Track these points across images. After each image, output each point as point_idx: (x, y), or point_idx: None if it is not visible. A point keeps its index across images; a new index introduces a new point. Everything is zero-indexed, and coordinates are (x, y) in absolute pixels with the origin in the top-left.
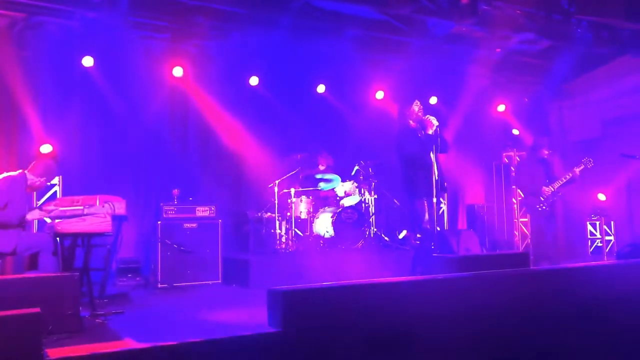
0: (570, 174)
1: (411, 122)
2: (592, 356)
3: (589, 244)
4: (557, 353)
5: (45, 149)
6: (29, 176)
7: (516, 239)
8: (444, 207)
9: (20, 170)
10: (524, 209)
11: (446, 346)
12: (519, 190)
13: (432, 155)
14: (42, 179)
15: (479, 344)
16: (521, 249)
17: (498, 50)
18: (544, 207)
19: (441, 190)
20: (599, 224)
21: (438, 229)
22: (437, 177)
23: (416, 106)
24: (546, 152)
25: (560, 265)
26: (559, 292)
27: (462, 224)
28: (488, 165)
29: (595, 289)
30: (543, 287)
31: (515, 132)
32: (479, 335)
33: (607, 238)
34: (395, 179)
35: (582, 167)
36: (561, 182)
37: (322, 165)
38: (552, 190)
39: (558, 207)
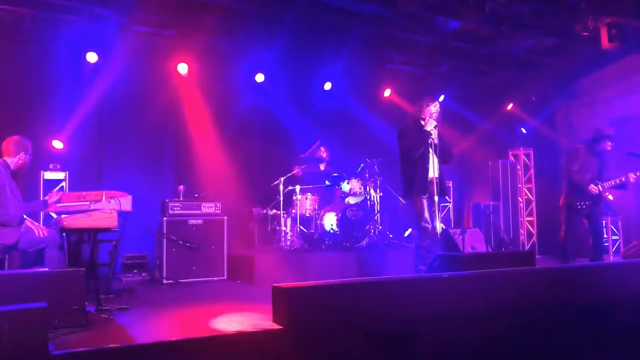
0: (624, 178)
1: (422, 120)
2: (598, 354)
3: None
4: (563, 351)
5: (57, 144)
6: (9, 160)
7: (522, 237)
8: (449, 205)
9: None
10: (530, 207)
11: (450, 344)
12: (521, 191)
13: (432, 156)
14: (20, 155)
15: (484, 342)
16: (527, 247)
17: (505, 48)
18: (584, 206)
19: (442, 190)
20: (606, 223)
21: (443, 227)
22: (436, 176)
23: (434, 107)
24: (609, 145)
25: (566, 265)
26: (564, 291)
27: (468, 222)
28: (495, 163)
29: (601, 288)
30: (548, 286)
31: (523, 130)
32: (483, 333)
33: (614, 237)
34: (400, 177)
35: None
36: (611, 184)
37: (324, 160)
38: (599, 190)
39: (600, 212)
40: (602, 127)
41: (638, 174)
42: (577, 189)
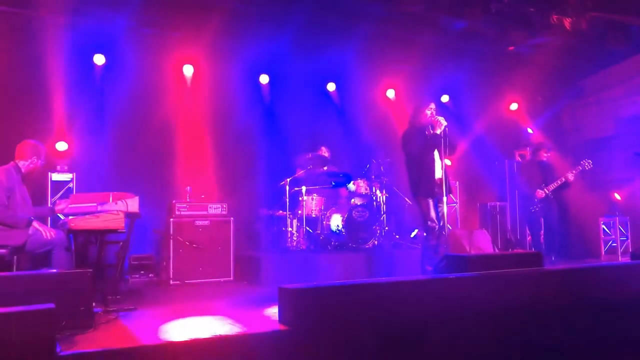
0: (564, 178)
1: (421, 122)
2: (605, 356)
3: (603, 243)
4: (569, 352)
5: (61, 146)
6: (21, 163)
7: (529, 238)
8: (456, 206)
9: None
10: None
11: (458, 345)
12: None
13: (436, 155)
14: (32, 159)
15: (490, 343)
16: (534, 248)
17: (511, 48)
18: (536, 209)
19: (447, 189)
20: (614, 223)
21: (449, 227)
22: (442, 177)
23: (429, 110)
24: (545, 155)
25: (574, 265)
26: (572, 292)
27: (474, 223)
28: (501, 164)
29: (609, 289)
30: (556, 287)
31: (530, 130)
32: (490, 334)
33: (622, 238)
34: (407, 178)
35: (578, 170)
36: (555, 185)
37: (327, 160)
38: (546, 193)
39: (553, 211)
40: (536, 140)
41: (574, 171)
42: (529, 196)
